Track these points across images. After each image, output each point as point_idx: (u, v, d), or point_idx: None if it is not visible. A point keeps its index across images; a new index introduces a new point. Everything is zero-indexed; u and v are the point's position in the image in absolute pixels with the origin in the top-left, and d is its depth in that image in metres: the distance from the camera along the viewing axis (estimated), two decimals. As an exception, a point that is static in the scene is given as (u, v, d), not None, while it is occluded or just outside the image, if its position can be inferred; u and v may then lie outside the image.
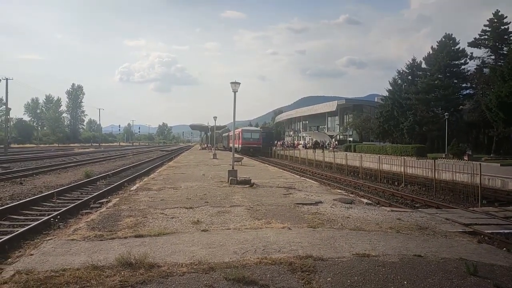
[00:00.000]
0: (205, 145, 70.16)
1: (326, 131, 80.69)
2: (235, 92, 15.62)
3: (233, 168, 15.75)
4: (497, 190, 17.60)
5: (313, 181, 17.99)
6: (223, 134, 79.52)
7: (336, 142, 61.18)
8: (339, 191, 15.15)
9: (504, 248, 6.94)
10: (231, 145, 32.25)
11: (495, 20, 43.97)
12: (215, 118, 38.02)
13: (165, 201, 10.34)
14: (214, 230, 7.09)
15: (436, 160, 21.58)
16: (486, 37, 44.90)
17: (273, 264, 5.10)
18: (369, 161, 27.32)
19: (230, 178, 14.62)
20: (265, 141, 55.70)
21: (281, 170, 26.33)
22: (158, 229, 6.99)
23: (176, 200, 10.63)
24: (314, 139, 69.17)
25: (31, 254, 5.63)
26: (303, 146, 64.73)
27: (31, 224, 8.95)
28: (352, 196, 13.51)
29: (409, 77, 52.85)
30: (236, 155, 26.41)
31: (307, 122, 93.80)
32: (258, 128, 75.82)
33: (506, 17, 43.36)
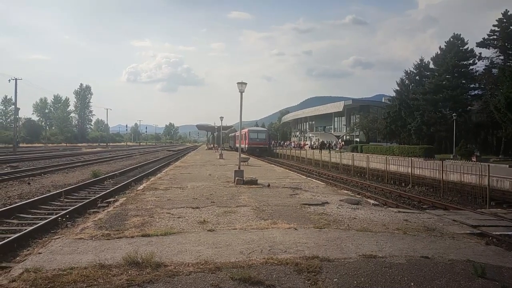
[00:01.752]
0: (212, 145, 70.37)
1: (332, 132, 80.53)
2: (241, 92, 15.63)
3: (239, 168, 15.76)
4: (506, 191, 17.41)
5: (319, 182, 17.96)
6: (230, 134, 79.63)
7: (343, 143, 60.99)
8: (346, 191, 15.10)
9: (513, 250, 6.87)
10: (237, 145, 32.32)
11: (504, 20, 43.47)
12: (221, 118, 38.06)
13: (171, 201, 10.39)
14: (221, 230, 7.11)
15: (443, 161, 21.40)
16: (495, 37, 44.40)
17: (279, 265, 5.10)
18: (376, 162, 27.18)
19: (237, 178, 14.63)
20: None
21: (287, 170, 26.30)
22: (164, 229, 7.02)
23: (182, 199, 10.67)
24: (321, 140, 69.03)
25: (39, 253, 5.69)
26: (309, 147, 64.64)
27: (39, 223, 9.05)
28: (359, 197, 13.45)
29: (417, 77, 52.56)
30: (243, 155, 26.44)
31: (313, 122, 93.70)
32: (265, 129, 75.80)
33: (516, 16, 42.86)
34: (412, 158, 26.77)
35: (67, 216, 9.61)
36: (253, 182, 14.54)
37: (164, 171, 22.70)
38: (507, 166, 25.32)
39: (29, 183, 16.66)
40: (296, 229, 7.23)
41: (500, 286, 4.56)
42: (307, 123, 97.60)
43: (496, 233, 8.30)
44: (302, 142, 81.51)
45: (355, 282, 4.57)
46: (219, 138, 53.17)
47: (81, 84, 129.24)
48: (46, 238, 7.56)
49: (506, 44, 43.37)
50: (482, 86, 45.66)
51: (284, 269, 4.95)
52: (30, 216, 10.23)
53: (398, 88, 53.79)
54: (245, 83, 15.68)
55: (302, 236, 6.68)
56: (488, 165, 17.45)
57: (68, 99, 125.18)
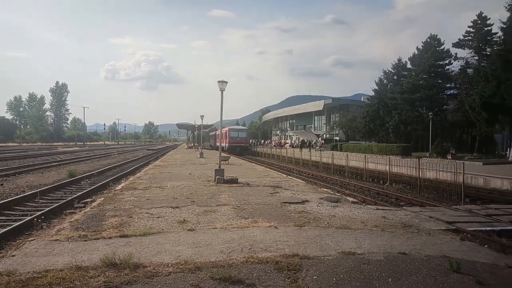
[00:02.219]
0: (192, 144, 69.85)
1: (313, 130, 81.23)
2: (222, 91, 15.55)
3: (220, 167, 15.70)
4: (480, 188, 17.94)
5: (299, 180, 18.06)
6: (210, 133, 79.26)
7: (323, 141, 61.61)
8: (326, 189, 15.23)
9: (486, 245, 7.07)
10: (218, 144, 32.19)
11: (479, 22, 44.76)
12: (202, 117, 37.86)
13: (151, 201, 10.25)
14: (201, 230, 7.06)
15: (420, 159, 21.88)
16: (470, 38, 45.67)
17: (260, 263, 5.10)
18: (355, 160, 27.56)
19: (217, 177, 14.57)
20: None
21: (268, 169, 26.37)
22: (143, 229, 6.92)
23: (162, 199, 10.55)
24: (301, 138, 69.50)
25: (13, 255, 5.51)
26: (290, 145, 65.02)
27: (13, 224, 8.79)
28: (338, 194, 13.59)
29: (395, 77, 53.55)
30: (223, 154, 26.34)
31: (294, 121, 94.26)
32: (245, 127, 75.81)
33: (489, 18, 44.18)
34: (390, 156, 27.25)
35: (43, 217, 9.35)
36: (233, 181, 14.50)
37: (143, 170, 22.39)
38: (481, 163, 26.12)
39: (2, 184, 16.14)
40: (276, 228, 7.26)
41: (475, 280, 4.69)
42: (288, 121, 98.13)
43: (471, 229, 8.52)
44: (282, 141, 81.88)
45: (334, 279, 4.62)
46: (200, 137, 52.86)
47: (57, 82, 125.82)
48: (20, 240, 7.33)
49: (480, 45, 44.64)
50: (458, 85, 46.88)
51: (264, 267, 4.96)
52: (3, 217, 9.92)
53: (376, 88, 54.73)
54: (226, 82, 15.61)
55: (283, 235, 6.71)
56: (463, 163, 17.92)
57: (44, 97, 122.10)
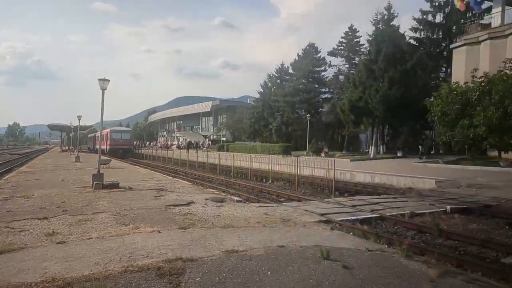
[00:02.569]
0: (67, 147, 63.49)
1: (200, 131, 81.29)
2: (103, 89, 14.44)
3: (98, 171, 14.56)
4: (347, 182, 20.11)
5: (185, 182, 17.87)
6: (89, 135, 73.17)
7: (210, 142, 62.12)
8: (212, 190, 15.36)
9: (351, 233, 7.95)
10: (97, 146, 29.93)
11: (350, 33, 50.54)
12: (79, 117, 34.75)
13: (12, 213, 8.95)
14: (73, 241, 6.42)
15: (298, 158, 23.57)
16: (342, 47, 51.24)
17: (140, 271, 4.85)
18: (240, 160, 28.36)
19: (95, 182, 13.48)
20: None
21: (152, 171, 25.48)
22: (1, 246, 5.99)
23: (26, 210, 9.30)
24: (188, 139, 68.97)
25: None
26: (176, 147, 63.95)
27: None
28: (224, 194, 13.82)
29: (278, 80, 56.95)
30: (104, 157, 24.58)
31: (181, 122, 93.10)
32: (129, 129, 72.08)
33: (359, 31, 50.42)
34: (273, 155, 28.77)
35: None
36: (114, 185, 13.61)
37: (4, 178, 19.49)
38: (349, 160, 29.42)
39: None
40: (159, 232, 7.02)
41: (341, 265, 5.22)
42: (175, 122, 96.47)
43: (339, 219, 9.48)
44: (169, 142, 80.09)
45: (217, 279, 4.65)
46: (76, 139, 48.42)
47: None
48: None
49: (350, 54, 50.47)
50: (331, 90, 52.16)
51: (145, 275, 4.73)
52: None
53: (262, 90, 57.48)
54: (108, 80, 14.55)
55: (166, 239, 6.52)
56: (334, 160, 19.82)
57: None
